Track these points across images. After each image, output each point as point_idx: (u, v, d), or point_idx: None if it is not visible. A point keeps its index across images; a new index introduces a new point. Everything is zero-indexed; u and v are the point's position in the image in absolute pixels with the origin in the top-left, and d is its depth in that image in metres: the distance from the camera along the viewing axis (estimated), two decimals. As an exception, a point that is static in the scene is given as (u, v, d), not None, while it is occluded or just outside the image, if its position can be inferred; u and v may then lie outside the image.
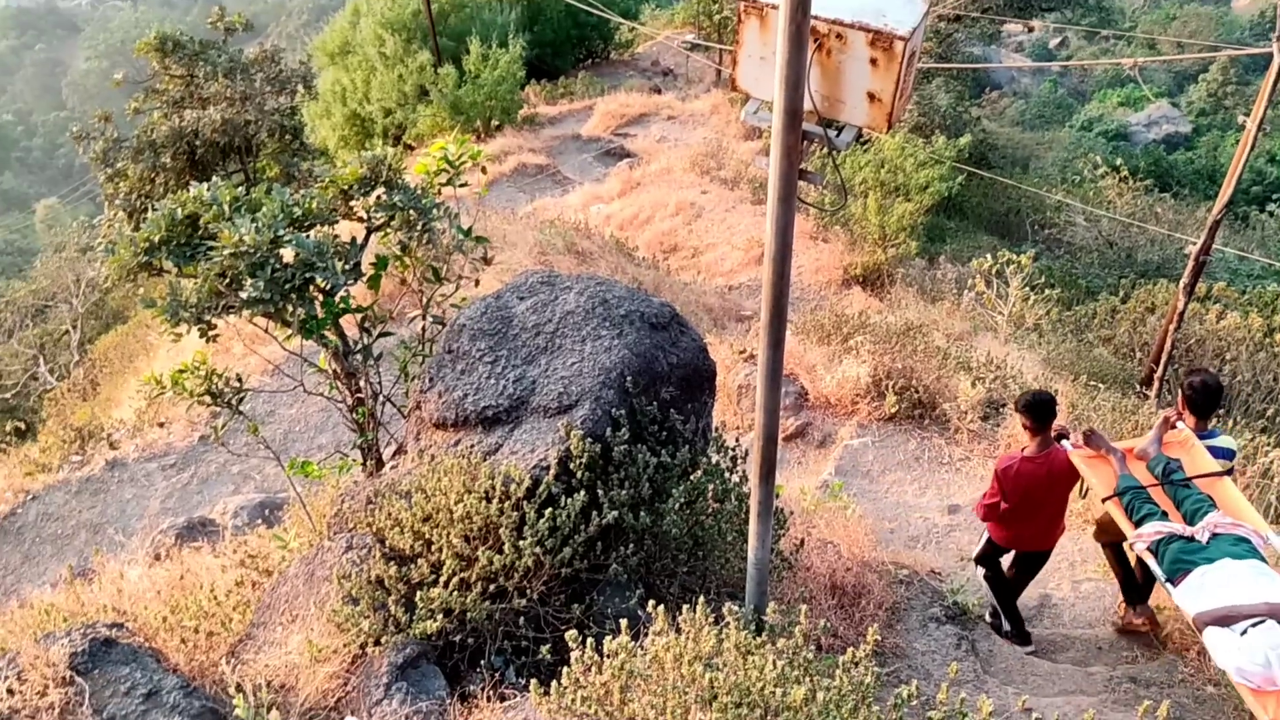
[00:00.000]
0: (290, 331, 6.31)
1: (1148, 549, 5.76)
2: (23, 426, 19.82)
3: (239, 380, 6.49)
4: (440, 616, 4.64)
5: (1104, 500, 6.23)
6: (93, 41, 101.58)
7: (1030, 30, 46.00)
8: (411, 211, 6.55)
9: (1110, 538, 6.79)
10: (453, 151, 6.76)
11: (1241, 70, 49.15)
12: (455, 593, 4.68)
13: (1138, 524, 5.88)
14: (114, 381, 19.45)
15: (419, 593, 4.69)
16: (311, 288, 6.18)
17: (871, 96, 3.69)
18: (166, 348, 15.87)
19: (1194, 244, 13.59)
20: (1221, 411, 13.12)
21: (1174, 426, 6.47)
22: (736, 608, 4.26)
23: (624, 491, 5.06)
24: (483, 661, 4.79)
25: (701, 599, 4.34)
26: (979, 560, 7.09)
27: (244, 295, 5.86)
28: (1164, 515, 5.84)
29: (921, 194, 18.47)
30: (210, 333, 6.19)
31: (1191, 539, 5.60)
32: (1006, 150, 34.72)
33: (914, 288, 17.39)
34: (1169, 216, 25.67)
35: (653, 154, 24.54)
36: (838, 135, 3.89)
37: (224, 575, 6.15)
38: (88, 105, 78.17)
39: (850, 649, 4.12)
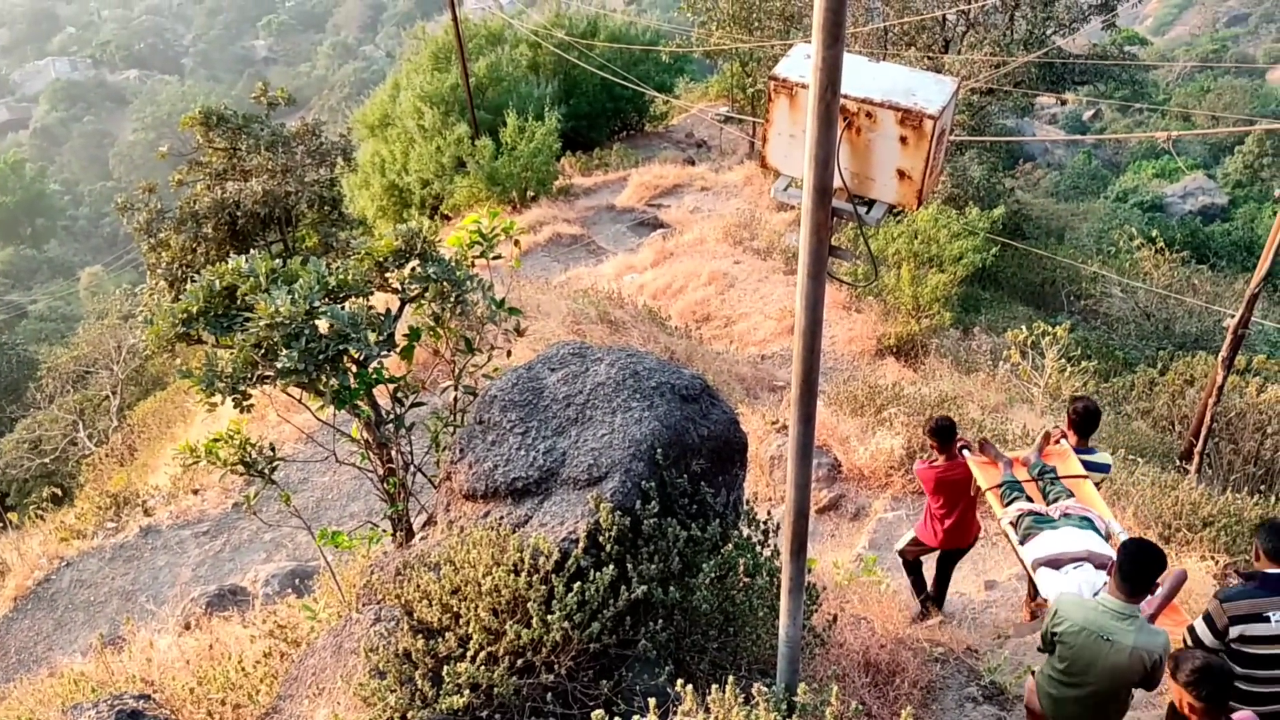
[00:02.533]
0: (323, 401, 6.36)
1: (1010, 524, 7.19)
2: (60, 492, 19.99)
3: (272, 449, 6.53)
4: (467, 691, 4.59)
5: (986, 490, 7.60)
6: (140, 114, 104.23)
7: (1063, 103, 46.13)
8: (445, 283, 6.61)
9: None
10: (486, 225, 6.84)
11: (1277, 142, 48.96)
12: (483, 667, 4.63)
13: (1006, 506, 7.33)
14: (151, 447, 19.64)
15: (446, 667, 4.65)
16: (345, 358, 6.24)
17: (901, 174, 3.71)
18: (203, 414, 16.03)
19: (1232, 316, 13.47)
20: (1263, 489, 12.91)
21: (1057, 442, 7.80)
22: (766, 687, 4.19)
23: (653, 566, 5.01)
24: (509, 738, 4.73)
25: (731, 677, 4.28)
26: (904, 556, 8.58)
27: (278, 365, 5.91)
28: (1030, 500, 7.30)
29: (955, 265, 18.46)
30: (245, 403, 6.24)
31: (1044, 515, 7.08)
32: (1041, 221, 34.67)
33: (948, 359, 17.30)
34: (1206, 288, 25.47)
35: (686, 224, 24.71)
36: (868, 212, 3.90)
37: (252, 646, 6.14)
38: (134, 176, 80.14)
39: (883, 731, 4.04)
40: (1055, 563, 6.55)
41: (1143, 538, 5.37)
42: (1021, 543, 6.98)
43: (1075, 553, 6.53)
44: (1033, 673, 5.76)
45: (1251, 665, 5.16)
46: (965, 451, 7.83)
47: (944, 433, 7.77)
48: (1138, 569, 4.98)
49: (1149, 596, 5.33)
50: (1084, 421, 7.71)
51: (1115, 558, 5.40)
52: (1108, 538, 6.84)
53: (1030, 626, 8.25)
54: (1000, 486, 7.51)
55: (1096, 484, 7.59)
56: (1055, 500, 7.19)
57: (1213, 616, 5.25)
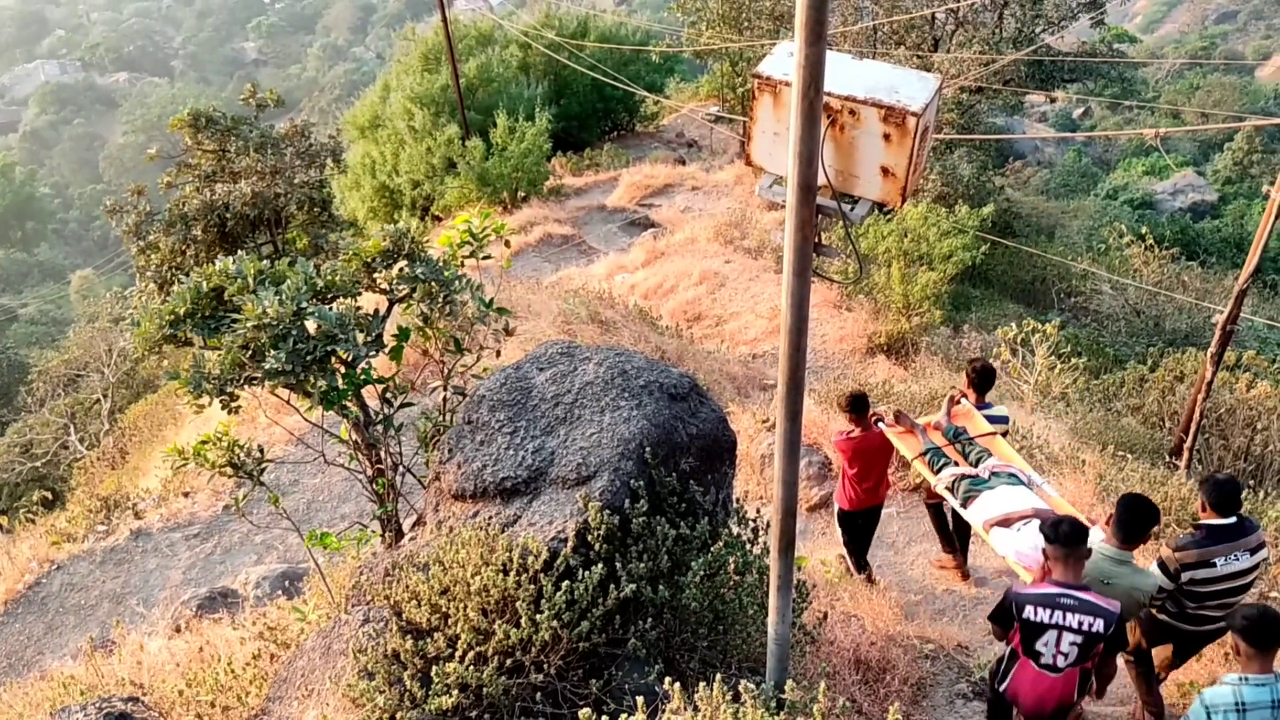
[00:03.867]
0: (311, 403, 6.35)
1: (947, 488, 7.76)
2: (50, 496, 19.92)
3: (260, 451, 6.52)
4: (456, 692, 4.59)
5: (913, 459, 8.22)
6: (130, 117, 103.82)
7: (1052, 101, 46.23)
8: (434, 283, 6.61)
9: (931, 499, 8.87)
10: (476, 225, 6.83)
11: (1267, 139, 49.13)
12: (471, 667, 4.63)
13: (938, 472, 7.91)
14: (142, 450, 19.58)
15: (435, 667, 4.64)
16: (333, 359, 6.23)
17: (885, 171, 3.72)
18: (194, 417, 15.99)
19: (1221, 312, 13.50)
20: (1252, 483, 12.98)
21: (958, 403, 8.48)
22: (754, 685, 4.19)
23: (642, 564, 5.01)
24: (499, 738, 4.72)
25: (720, 676, 4.28)
26: (847, 544, 9.05)
27: (266, 367, 5.90)
28: (955, 464, 7.88)
29: (945, 263, 18.48)
30: (232, 404, 6.23)
31: (977, 476, 7.66)
32: (1031, 219, 34.71)
33: (939, 357, 17.30)
34: (1196, 285, 25.51)
35: (677, 224, 24.70)
36: (852, 209, 3.90)
37: (242, 648, 6.13)
38: (124, 179, 79.88)
39: (871, 728, 4.05)
40: (1005, 522, 7.10)
41: (1139, 493, 6.02)
42: (963, 505, 7.58)
43: (1023, 510, 7.13)
44: None
45: (1200, 600, 6.03)
46: (880, 424, 8.43)
47: (858, 405, 8.38)
48: (1134, 521, 5.69)
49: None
50: (981, 380, 8.54)
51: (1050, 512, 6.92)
52: (1031, 487, 7.63)
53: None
54: (925, 454, 8.12)
55: (1002, 434, 8.35)
56: (978, 460, 7.86)
57: (1166, 563, 6.03)
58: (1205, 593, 5.96)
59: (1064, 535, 5.25)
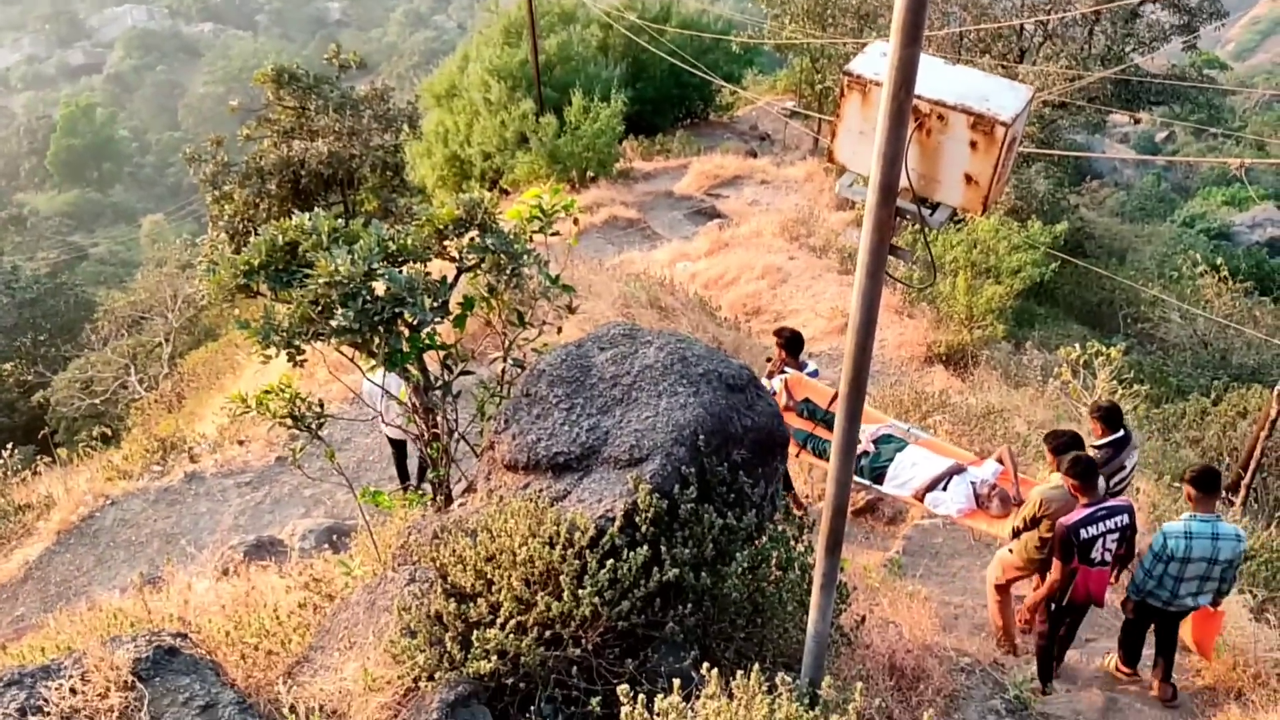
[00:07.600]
0: (375, 362, 6.44)
1: None
2: (109, 432, 20.36)
3: (320, 406, 6.62)
4: (495, 657, 4.65)
5: (797, 455, 8.93)
6: (212, 67, 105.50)
7: (1136, 122, 45.28)
8: (502, 255, 6.66)
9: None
10: (546, 201, 6.88)
11: (1353, 177, 47.84)
12: (511, 635, 4.69)
13: (825, 457, 8.51)
14: (199, 396, 19.94)
15: (476, 632, 4.71)
16: (399, 322, 6.31)
17: (969, 178, 3.69)
18: (253, 368, 16.26)
19: (1292, 351, 13.23)
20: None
21: (783, 372, 9.23)
22: (791, 679, 4.21)
23: (687, 550, 5.04)
24: (533, 708, 4.78)
25: (756, 667, 4.30)
26: None
27: (334, 324, 6.00)
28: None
29: (1012, 277, 18.24)
30: (299, 358, 6.34)
31: (866, 453, 8.68)
32: (1104, 240, 34.15)
33: (998, 371, 17.11)
34: (1268, 321, 24.95)
35: (743, 216, 24.60)
36: (931, 214, 3.88)
37: (287, 596, 6.24)
38: (201, 128, 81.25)
39: (904, 733, 4.05)
40: (933, 485, 8.29)
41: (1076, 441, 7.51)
42: (876, 482, 8.65)
43: (941, 471, 8.38)
44: (1010, 550, 7.63)
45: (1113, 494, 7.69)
46: None
47: None
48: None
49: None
50: (791, 345, 9.49)
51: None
52: (908, 438, 8.76)
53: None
54: (806, 445, 8.93)
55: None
56: None
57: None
58: (1118, 489, 8.02)
59: (1081, 471, 6.75)
